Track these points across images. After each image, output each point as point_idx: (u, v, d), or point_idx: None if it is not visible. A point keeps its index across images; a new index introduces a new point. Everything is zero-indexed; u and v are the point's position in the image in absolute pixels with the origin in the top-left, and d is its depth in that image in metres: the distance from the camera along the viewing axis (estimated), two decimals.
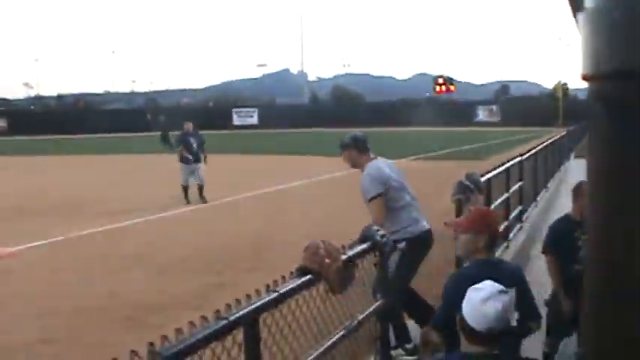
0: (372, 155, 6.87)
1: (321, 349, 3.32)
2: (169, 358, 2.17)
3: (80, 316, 8.54)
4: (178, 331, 2.33)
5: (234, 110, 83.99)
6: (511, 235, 10.51)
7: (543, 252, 6.38)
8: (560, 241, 6.09)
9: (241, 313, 2.61)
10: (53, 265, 11.45)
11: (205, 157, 19.17)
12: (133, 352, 2.10)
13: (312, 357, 3.20)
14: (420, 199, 6.89)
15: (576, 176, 23.50)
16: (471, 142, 45.06)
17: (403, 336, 6.48)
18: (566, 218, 6.31)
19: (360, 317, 3.89)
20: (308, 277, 3.21)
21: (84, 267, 11.20)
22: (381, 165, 6.76)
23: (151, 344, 2.17)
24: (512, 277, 4.10)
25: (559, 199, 18.89)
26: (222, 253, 11.98)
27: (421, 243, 6.54)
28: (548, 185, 18.01)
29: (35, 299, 9.28)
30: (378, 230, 4.13)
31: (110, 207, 17.89)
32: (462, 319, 3.24)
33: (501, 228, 9.62)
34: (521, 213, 11.95)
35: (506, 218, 10.22)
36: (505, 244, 9.78)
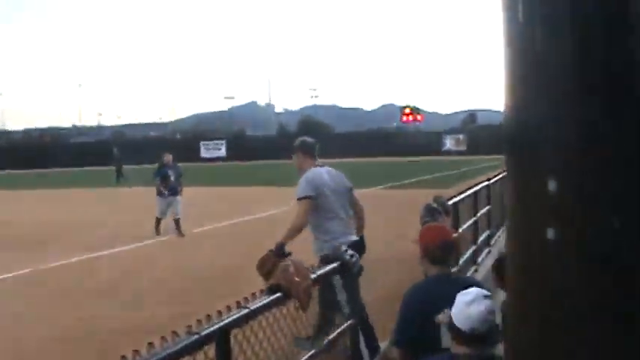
0: (317, 162, 6.98)
1: None
2: None
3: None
4: (150, 345, 2.34)
5: (201, 142, 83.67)
6: (479, 259, 10.58)
7: None
8: None
9: (212, 328, 2.63)
10: (19, 297, 11.33)
11: (181, 189, 18.98)
12: None
13: None
14: (394, 224, 6.97)
15: None
16: (440, 170, 45.45)
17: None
18: None
19: (331, 336, 3.92)
20: (278, 294, 3.25)
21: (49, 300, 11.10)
22: (321, 172, 6.88)
23: (123, 357, 2.18)
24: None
25: None
26: (197, 284, 11.93)
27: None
28: None
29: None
30: (346, 250, 4.18)
31: (79, 240, 17.73)
32: (451, 321, 3.46)
33: (469, 252, 9.73)
34: (490, 237, 12.05)
35: (475, 242, 10.30)
36: (474, 268, 9.85)
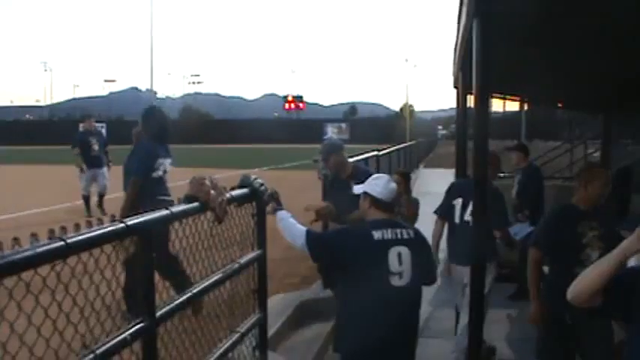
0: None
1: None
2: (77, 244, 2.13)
3: None
4: (77, 226, 2.30)
5: (80, 125, 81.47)
6: None
7: (533, 244, 5.19)
8: (558, 235, 5.05)
9: (137, 221, 2.61)
10: None
11: (109, 161, 16.04)
12: None
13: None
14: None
15: (427, 182, 24.61)
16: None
17: None
18: (569, 207, 5.14)
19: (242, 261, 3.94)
20: (196, 204, 3.25)
21: None
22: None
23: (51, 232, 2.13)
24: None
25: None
26: None
27: None
28: None
29: None
30: (256, 178, 4.19)
31: None
32: (368, 196, 4.51)
33: None
34: None
35: None
36: None
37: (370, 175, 4.85)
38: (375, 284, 4.26)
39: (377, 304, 4.25)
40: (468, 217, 6.24)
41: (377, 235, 4.32)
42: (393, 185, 4.59)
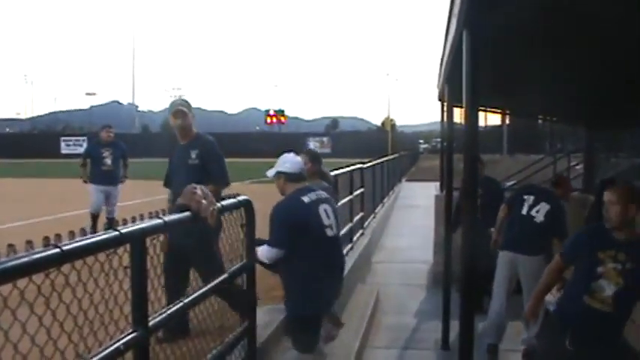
0: None
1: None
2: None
3: None
4: (72, 233, 2.28)
5: (62, 139, 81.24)
6: (355, 237, 10.79)
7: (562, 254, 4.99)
8: (578, 254, 4.78)
9: (132, 229, 2.60)
10: None
11: (125, 176, 13.60)
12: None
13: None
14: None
15: (410, 195, 24.73)
16: None
17: None
18: (600, 227, 4.70)
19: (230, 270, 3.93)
20: (188, 212, 3.25)
21: None
22: None
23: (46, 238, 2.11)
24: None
25: (394, 214, 19.85)
26: None
27: None
28: (384, 202, 18.67)
29: None
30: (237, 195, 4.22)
31: None
32: (282, 173, 5.41)
33: (345, 229, 9.90)
34: (363, 220, 12.30)
35: (351, 221, 10.49)
36: (350, 246, 10.04)
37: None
38: (318, 238, 5.23)
39: (320, 255, 5.21)
40: (534, 212, 7.15)
41: (306, 199, 5.29)
42: (298, 159, 5.58)
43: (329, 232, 5.34)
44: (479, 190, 9.04)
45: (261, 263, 5.12)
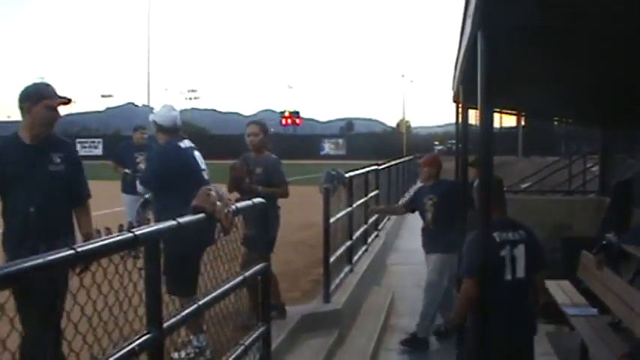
0: None
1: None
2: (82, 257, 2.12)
3: None
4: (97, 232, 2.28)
5: (77, 141, 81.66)
6: (369, 239, 10.77)
7: None
8: None
9: (145, 231, 2.61)
10: None
11: None
12: None
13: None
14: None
15: None
16: (317, 171, 45.95)
17: None
18: None
19: (246, 274, 3.93)
20: (202, 214, 3.25)
21: None
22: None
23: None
24: None
25: (409, 218, 19.75)
26: None
27: None
28: (399, 203, 18.61)
29: None
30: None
31: None
32: (155, 124, 5.85)
33: (360, 231, 9.89)
34: (377, 222, 12.29)
35: (365, 222, 10.48)
36: (364, 248, 10.03)
37: None
38: (197, 181, 5.33)
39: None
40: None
41: (182, 144, 5.82)
42: (175, 113, 6.03)
43: (205, 176, 5.82)
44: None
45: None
